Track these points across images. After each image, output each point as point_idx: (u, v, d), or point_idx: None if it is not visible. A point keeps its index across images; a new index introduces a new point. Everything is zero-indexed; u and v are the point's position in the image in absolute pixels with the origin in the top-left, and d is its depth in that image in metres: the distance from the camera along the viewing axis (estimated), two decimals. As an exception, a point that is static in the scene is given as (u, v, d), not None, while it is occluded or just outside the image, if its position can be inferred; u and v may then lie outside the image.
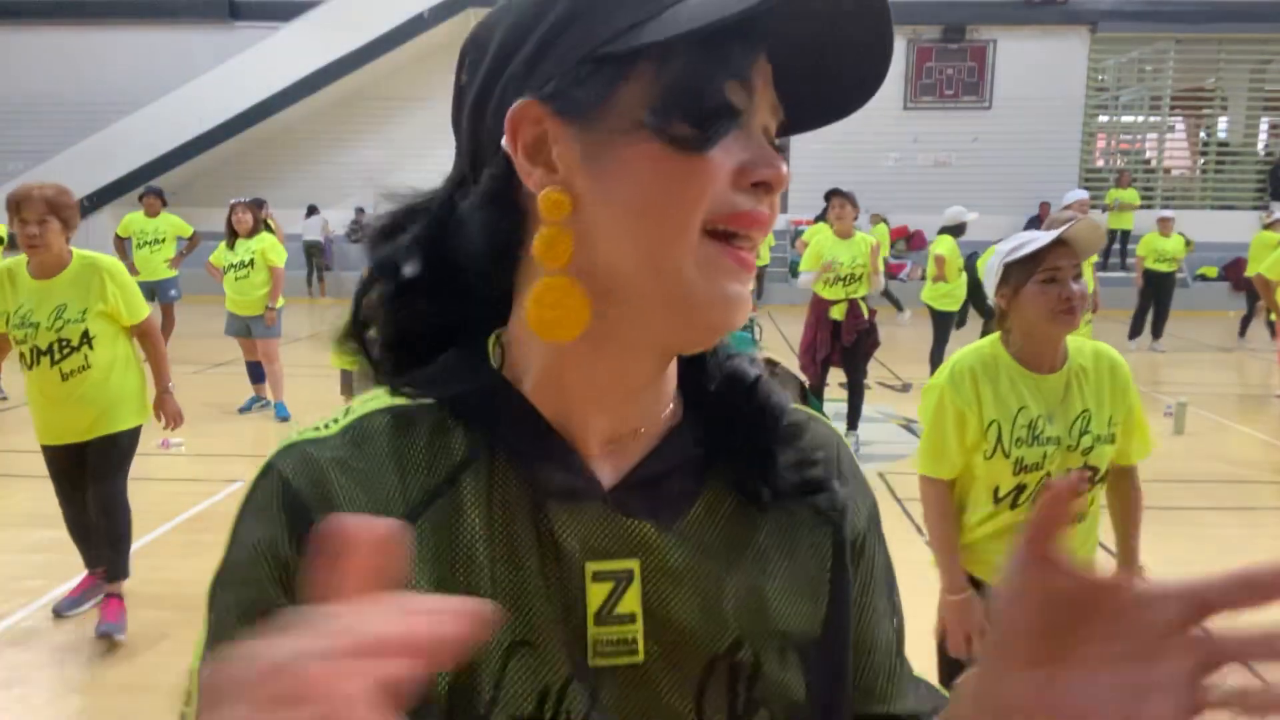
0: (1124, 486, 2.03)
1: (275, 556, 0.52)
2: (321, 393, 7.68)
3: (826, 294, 5.80)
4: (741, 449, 0.59)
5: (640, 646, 0.55)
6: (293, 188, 16.14)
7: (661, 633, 0.55)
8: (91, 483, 3.32)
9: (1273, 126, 17.49)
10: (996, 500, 1.94)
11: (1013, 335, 1.94)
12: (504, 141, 0.53)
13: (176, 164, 15.35)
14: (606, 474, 0.57)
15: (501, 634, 0.53)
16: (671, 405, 0.60)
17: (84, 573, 3.61)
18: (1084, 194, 7.61)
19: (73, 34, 16.46)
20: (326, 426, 0.57)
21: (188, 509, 4.76)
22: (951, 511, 2.02)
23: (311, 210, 15.64)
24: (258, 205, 7.07)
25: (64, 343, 3.17)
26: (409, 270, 0.58)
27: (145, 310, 3.43)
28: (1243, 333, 11.39)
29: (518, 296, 0.57)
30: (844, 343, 5.80)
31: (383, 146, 16.68)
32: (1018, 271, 1.86)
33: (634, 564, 0.55)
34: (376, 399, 0.58)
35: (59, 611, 3.52)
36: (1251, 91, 16.82)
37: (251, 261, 6.66)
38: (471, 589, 0.53)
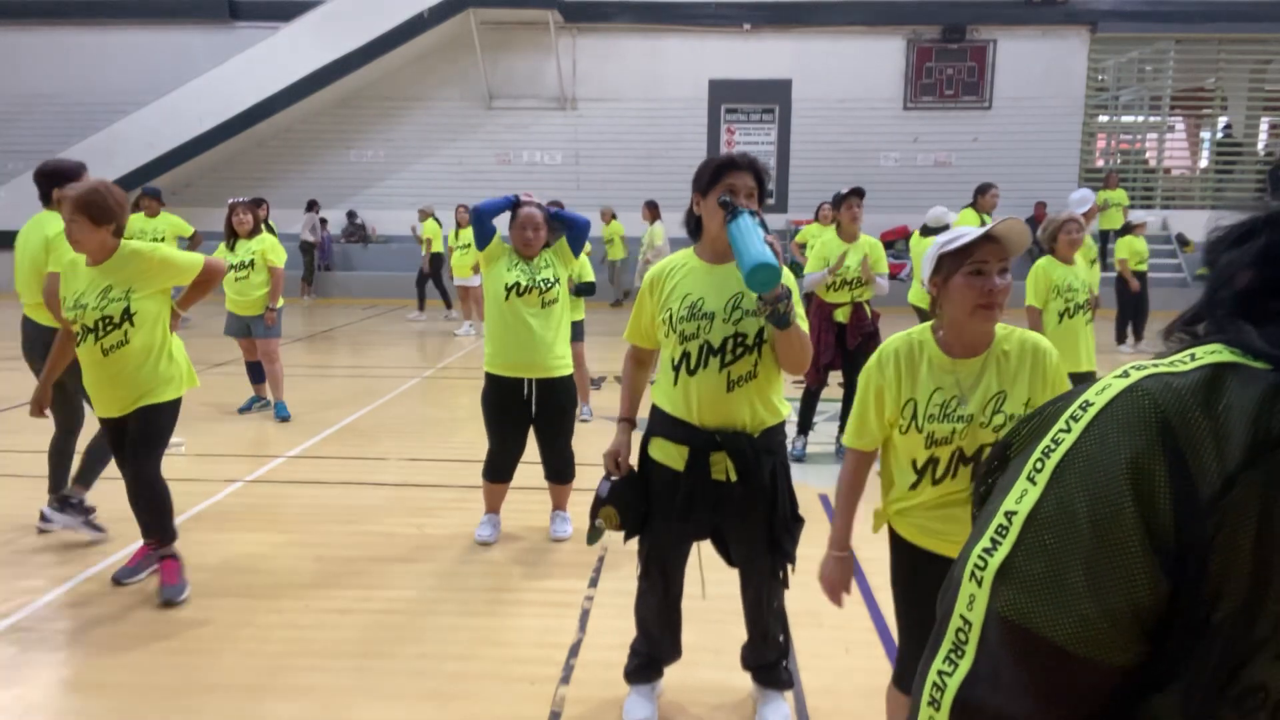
0: None
1: (1141, 470, 0.61)
2: (322, 392, 7.69)
3: (831, 298, 5.75)
4: None
5: None
6: (293, 188, 16.15)
7: None
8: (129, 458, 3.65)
9: (1273, 126, 17.48)
10: (917, 472, 2.10)
11: (941, 322, 2.09)
12: None
13: (176, 164, 15.35)
14: None
15: None
16: None
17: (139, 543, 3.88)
18: (1090, 193, 7.57)
19: (73, 34, 16.46)
20: (1178, 364, 0.65)
21: (188, 509, 4.76)
22: (859, 481, 2.24)
23: (310, 206, 15.63)
24: (257, 205, 7.07)
25: (107, 320, 3.48)
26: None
27: (197, 262, 3.69)
28: None
29: None
30: (849, 346, 5.76)
31: (383, 146, 16.69)
32: (949, 262, 2.01)
33: None
34: (1217, 352, 0.65)
35: (118, 580, 3.77)
36: (1251, 91, 16.82)
37: (252, 262, 6.69)
38: None
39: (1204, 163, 17.68)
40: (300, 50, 15.11)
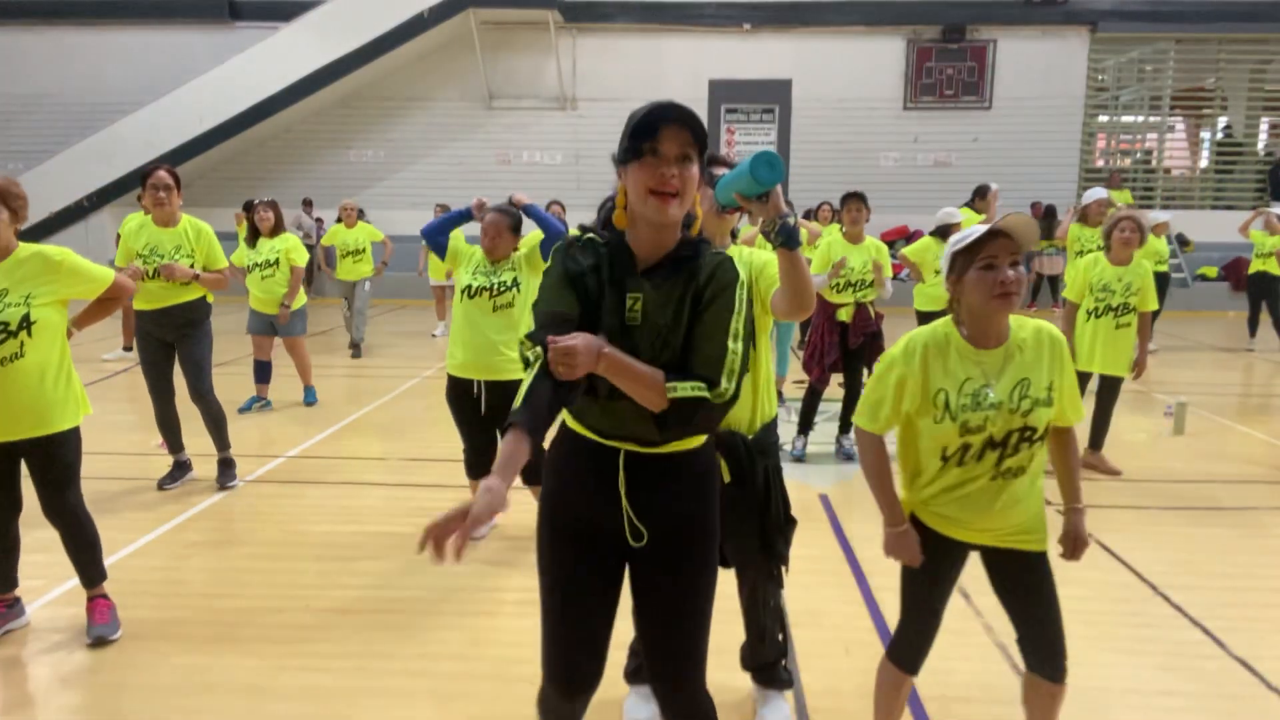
0: (1064, 439, 2.34)
1: (568, 270, 1.87)
2: (322, 392, 7.69)
3: (835, 298, 5.75)
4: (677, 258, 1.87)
5: (640, 320, 1.81)
6: (292, 187, 16.13)
7: (646, 319, 1.81)
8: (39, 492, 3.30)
9: (1273, 126, 17.48)
10: (944, 459, 2.17)
11: (961, 315, 2.18)
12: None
13: (176, 164, 15.23)
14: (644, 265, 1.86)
15: (610, 315, 1.81)
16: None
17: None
18: (1104, 192, 7.59)
19: (73, 34, 16.46)
20: (578, 232, 1.93)
21: (188, 509, 4.76)
22: (883, 460, 2.27)
23: (306, 205, 15.62)
24: (273, 205, 7.25)
25: (1, 326, 3.05)
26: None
27: (106, 277, 3.36)
28: (1253, 333, 11.24)
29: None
30: (850, 345, 5.76)
31: (383, 146, 16.69)
32: (962, 260, 2.12)
33: (639, 295, 1.82)
34: (578, 229, 1.94)
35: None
36: (1251, 91, 16.82)
37: (276, 260, 6.87)
38: (596, 300, 1.83)
39: (1204, 163, 17.68)
40: (300, 50, 15.11)
